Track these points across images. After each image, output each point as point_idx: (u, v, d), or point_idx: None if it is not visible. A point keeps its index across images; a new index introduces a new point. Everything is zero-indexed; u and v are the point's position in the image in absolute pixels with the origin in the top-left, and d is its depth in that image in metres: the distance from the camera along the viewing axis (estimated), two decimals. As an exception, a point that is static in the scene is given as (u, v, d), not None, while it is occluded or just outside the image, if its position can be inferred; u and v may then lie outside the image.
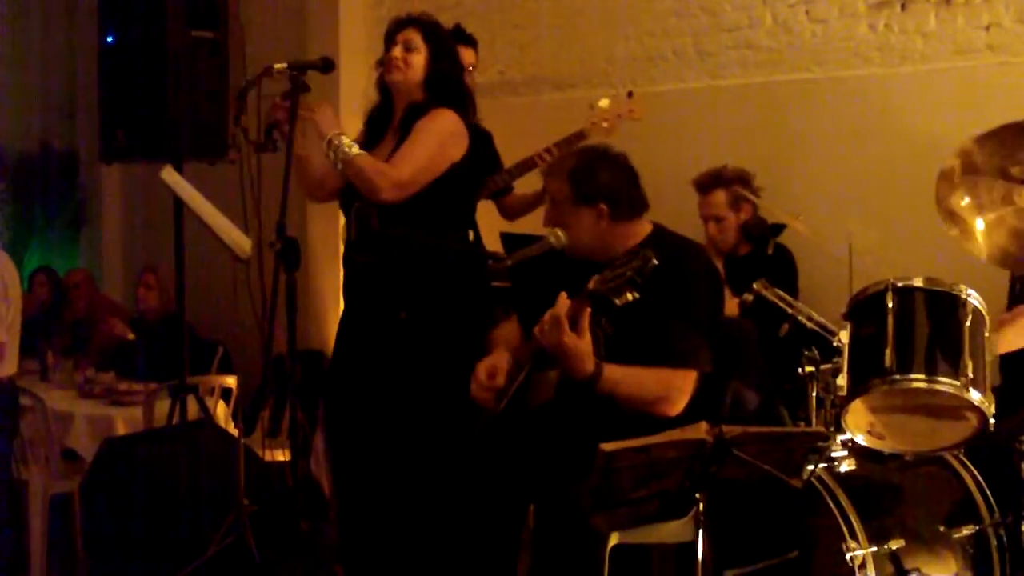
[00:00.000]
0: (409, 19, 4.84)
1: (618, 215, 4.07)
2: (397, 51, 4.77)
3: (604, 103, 5.86)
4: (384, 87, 4.87)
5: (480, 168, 5.95)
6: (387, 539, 4.68)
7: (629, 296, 3.50)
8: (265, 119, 4.56)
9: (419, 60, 4.75)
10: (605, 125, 5.76)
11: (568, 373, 3.79)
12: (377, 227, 4.71)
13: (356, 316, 4.88)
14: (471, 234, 5.90)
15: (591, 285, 3.62)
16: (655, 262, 3.51)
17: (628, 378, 3.82)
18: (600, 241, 4.04)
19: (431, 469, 4.53)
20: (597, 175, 4.08)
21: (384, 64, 4.78)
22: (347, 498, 4.91)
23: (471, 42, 6.06)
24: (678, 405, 3.84)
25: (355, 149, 4.62)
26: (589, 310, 3.66)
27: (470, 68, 6.02)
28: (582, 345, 3.70)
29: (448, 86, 4.80)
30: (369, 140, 4.87)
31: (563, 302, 3.70)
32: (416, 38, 4.76)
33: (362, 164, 4.61)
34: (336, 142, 4.58)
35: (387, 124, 4.87)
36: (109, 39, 6.30)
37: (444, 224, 4.79)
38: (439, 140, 4.70)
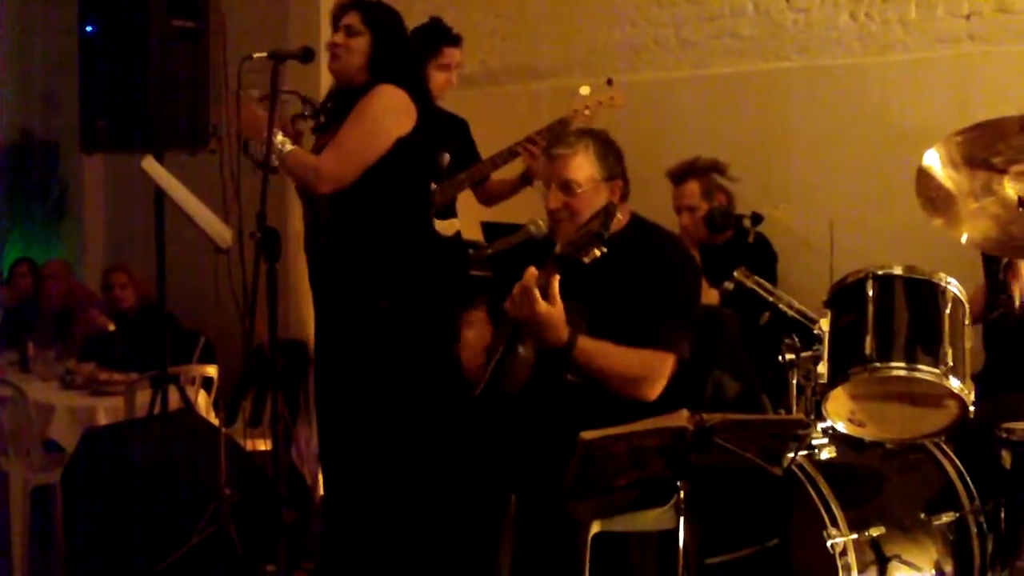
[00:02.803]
0: (350, 2, 4.80)
1: (624, 195, 4.09)
2: (338, 37, 4.74)
3: (585, 91, 5.86)
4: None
5: (459, 158, 5.96)
6: (373, 527, 4.68)
7: (596, 252, 3.47)
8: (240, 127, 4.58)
9: (360, 44, 4.71)
10: (587, 113, 5.76)
11: (542, 344, 3.78)
12: (327, 213, 4.69)
13: (325, 304, 4.86)
14: (456, 223, 5.93)
15: (557, 250, 3.62)
16: (623, 218, 3.50)
17: (603, 351, 3.81)
18: None
19: (415, 457, 4.53)
20: (614, 151, 4.09)
21: (328, 51, 4.77)
22: (336, 486, 4.90)
23: (455, 41, 6.03)
24: (656, 387, 3.83)
25: (287, 146, 4.58)
26: (558, 277, 3.64)
27: (453, 67, 6.01)
28: (555, 312, 3.68)
29: (393, 64, 4.74)
30: (326, 126, 4.86)
31: (531, 273, 3.69)
32: (356, 22, 4.72)
33: (292, 163, 4.60)
34: (274, 142, 4.51)
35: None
36: (89, 28, 6.27)
37: (398, 203, 4.75)
38: (373, 117, 4.64)
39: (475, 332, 4.24)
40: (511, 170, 5.97)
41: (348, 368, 4.71)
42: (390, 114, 4.67)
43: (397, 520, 4.56)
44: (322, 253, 4.78)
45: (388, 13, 4.84)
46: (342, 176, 4.59)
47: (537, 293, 3.65)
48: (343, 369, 4.74)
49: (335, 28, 4.77)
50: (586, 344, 3.78)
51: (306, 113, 4.85)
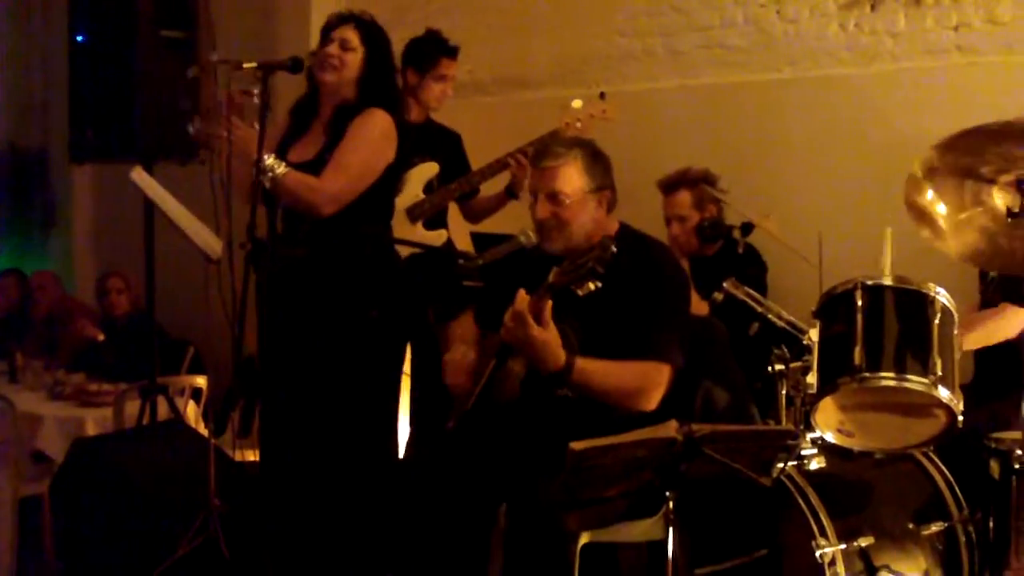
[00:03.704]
0: (348, 16, 4.81)
1: (611, 205, 4.11)
2: (333, 48, 4.74)
3: (577, 104, 5.87)
4: (313, 77, 4.85)
5: (450, 171, 5.96)
6: (360, 538, 4.67)
7: (591, 286, 3.50)
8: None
9: (354, 60, 4.74)
10: (578, 125, 5.77)
11: (540, 368, 3.79)
12: (307, 226, 4.68)
13: (299, 314, 4.84)
14: (444, 233, 5.93)
15: (551, 278, 3.63)
16: (614, 250, 3.51)
17: (601, 370, 3.82)
18: (591, 233, 4.04)
19: (402, 468, 4.52)
20: (603, 162, 4.11)
21: (318, 60, 4.76)
22: (312, 495, 4.87)
23: (452, 52, 6.04)
24: (654, 399, 3.85)
25: (281, 168, 4.57)
26: (551, 303, 3.65)
27: (449, 79, 6.02)
28: (550, 338, 3.70)
29: (381, 87, 4.78)
30: (295, 131, 4.85)
31: (522, 298, 3.70)
32: (354, 38, 4.75)
33: (292, 184, 4.59)
34: (264, 164, 4.50)
35: (313, 115, 4.86)
36: (79, 38, 6.28)
37: (372, 218, 4.78)
38: (375, 144, 4.70)
39: (460, 349, 4.24)
40: (495, 185, 5.97)
41: (333, 379, 4.69)
42: (386, 141, 4.73)
43: (385, 531, 4.55)
44: (299, 264, 4.75)
45: (382, 35, 4.87)
46: (343, 198, 4.62)
47: (530, 319, 3.66)
48: (326, 380, 4.71)
49: (327, 38, 4.77)
50: (583, 365, 3.79)
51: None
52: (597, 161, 4.11)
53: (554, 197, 4.02)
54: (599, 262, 3.48)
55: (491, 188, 6.10)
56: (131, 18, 6.08)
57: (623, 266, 3.88)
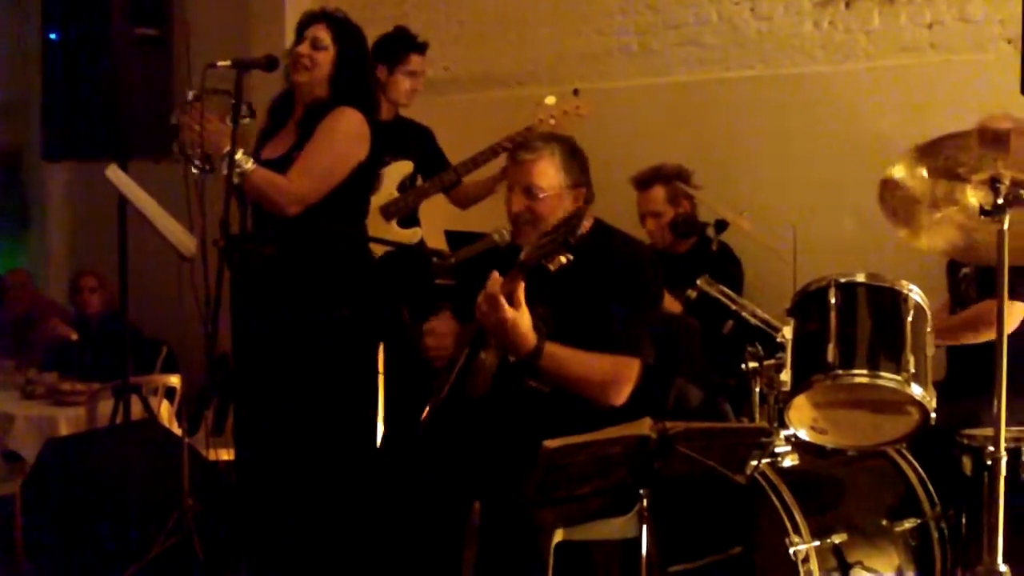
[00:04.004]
0: (320, 14, 4.79)
1: (588, 199, 4.11)
2: (304, 48, 4.73)
3: (551, 100, 5.87)
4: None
5: (424, 166, 5.96)
6: (333, 536, 4.66)
7: (562, 259, 3.45)
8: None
9: (326, 58, 4.72)
10: (552, 122, 5.77)
11: (510, 351, 3.78)
12: (275, 223, 4.66)
13: (268, 311, 4.83)
14: (418, 232, 5.92)
15: (522, 256, 3.61)
16: (586, 224, 3.50)
17: (572, 358, 3.82)
18: None
19: (375, 464, 4.52)
20: (580, 158, 4.11)
21: (292, 60, 4.75)
22: (284, 493, 4.87)
23: (421, 48, 6.04)
24: (622, 393, 3.85)
25: (250, 165, 4.55)
26: (523, 283, 3.64)
27: (419, 75, 6.02)
28: (521, 319, 3.69)
29: (353, 85, 4.75)
30: (272, 129, 4.85)
31: (495, 279, 3.69)
32: (325, 37, 4.72)
33: (259, 181, 4.57)
34: (234, 159, 4.49)
35: (289, 113, 4.85)
36: (52, 36, 6.24)
37: (343, 216, 4.76)
38: (343, 143, 4.67)
39: (442, 318, 4.24)
40: (483, 171, 5.97)
41: (304, 377, 4.68)
42: (354, 140, 4.69)
43: (359, 529, 4.55)
44: (268, 262, 4.73)
45: (355, 32, 4.84)
46: (309, 199, 4.59)
47: (503, 300, 3.65)
48: (297, 378, 4.70)
49: (300, 37, 4.76)
50: (554, 350, 3.78)
51: (246, 114, 4.80)
52: (574, 157, 4.11)
53: (529, 191, 4.02)
54: (569, 233, 3.44)
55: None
56: (105, 16, 6.04)
57: (597, 261, 3.88)
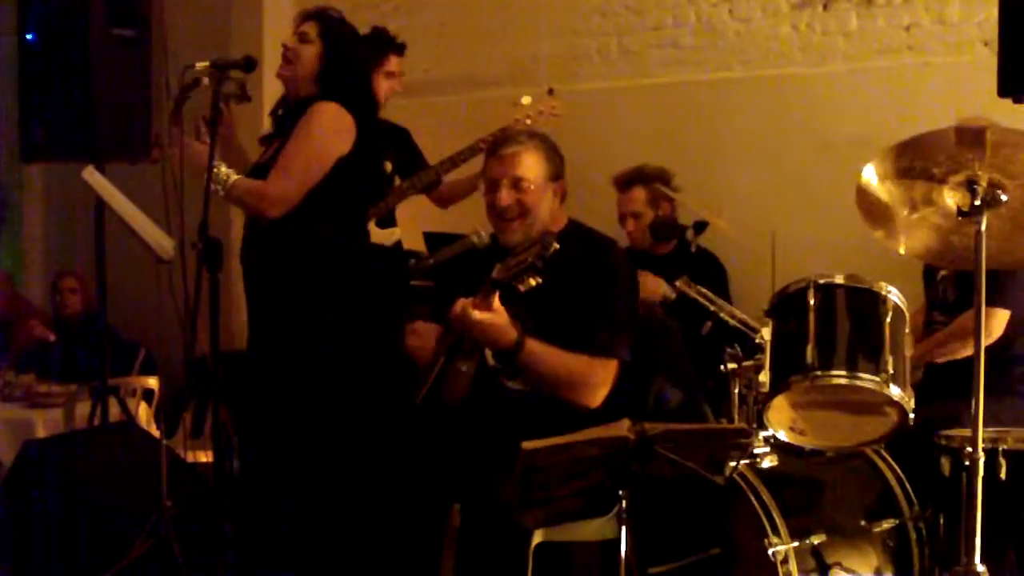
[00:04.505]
0: (312, 12, 4.80)
1: (563, 197, 4.13)
2: (290, 41, 4.73)
3: (526, 100, 5.90)
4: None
5: (402, 166, 5.95)
6: (312, 538, 4.66)
7: (532, 282, 3.49)
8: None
9: (310, 52, 4.70)
10: (528, 122, 5.79)
11: (492, 345, 3.81)
12: (265, 225, 4.66)
13: (263, 314, 4.83)
14: (396, 232, 5.92)
15: (494, 274, 3.62)
16: (556, 246, 3.51)
17: (551, 355, 3.83)
18: (547, 225, 4.03)
19: (355, 467, 4.51)
20: (557, 152, 4.14)
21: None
22: (269, 497, 4.86)
23: (400, 49, 6.05)
24: (599, 394, 3.86)
25: (232, 177, 4.55)
26: (497, 295, 3.66)
27: (398, 75, 6.02)
28: (497, 317, 3.70)
29: (341, 81, 4.72)
30: (275, 135, 4.84)
31: (461, 303, 3.74)
32: (312, 31, 4.72)
33: (239, 192, 4.57)
34: (214, 172, 4.47)
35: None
36: (29, 36, 6.21)
37: (334, 216, 4.71)
38: (318, 138, 4.62)
39: (420, 338, 4.23)
40: (463, 170, 5.98)
41: (289, 378, 4.68)
42: (331, 134, 4.64)
43: (338, 530, 4.54)
44: (258, 263, 4.75)
45: (345, 29, 4.83)
46: (290, 200, 4.56)
47: (471, 309, 3.68)
48: (284, 379, 4.70)
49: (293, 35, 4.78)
50: (533, 345, 3.79)
51: (239, 94, 4.78)
52: (553, 150, 4.13)
53: (517, 183, 4.01)
54: (539, 257, 3.46)
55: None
56: (82, 17, 6.00)
57: (571, 261, 3.88)
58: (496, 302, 3.68)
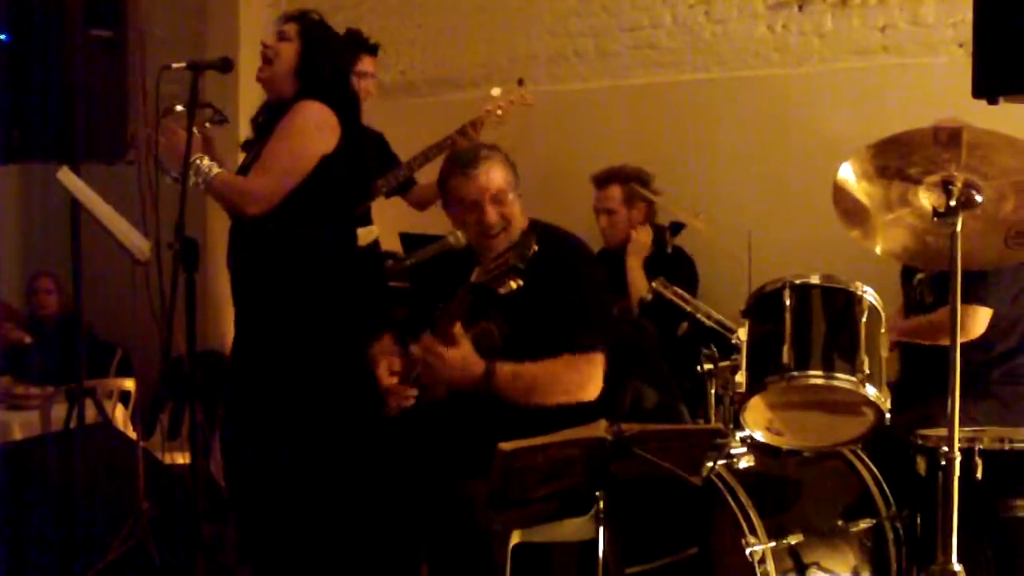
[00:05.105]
0: (291, 15, 4.80)
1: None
2: (268, 40, 4.72)
3: (496, 92, 5.92)
4: None
5: (377, 169, 5.94)
6: (290, 539, 4.65)
7: (512, 284, 3.48)
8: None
9: (288, 50, 4.68)
10: (499, 113, 5.80)
11: (463, 385, 3.83)
12: (249, 228, 4.66)
13: (246, 315, 4.83)
14: (374, 230, 5.91)
15: (473, 277, 3.61)
16: (535, 248, 3.51)
17: (527, 372, 3.82)
18: (521, 231, 4.02)
19: (332, 469, 4.50)
20: (511, 161, 4.12)
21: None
22: (249, 500, 4.85)
23: (373, 50, 6.05)
24: (590, 389, 3.87)
25: (214, 170, 4.55)
26: (470, 299, 3.66)
27: (371, 76, 6.01)
28: (459, 354, 3.75)
29: (320, 76, 4.70)
30: (252, 141, 4.83)
31: (427, 340, 3.78)
32: (291, 30, 4.71)
33: (220, 186, 4.57)
34: (196, 164, 4.48)
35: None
36: (4, 37, 6.18)
37: (319, 217, 4.70)
38: (300, 136, 4.61)
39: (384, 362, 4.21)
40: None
41: (269, 379, 4.67)
42: (313, 132, 4.63)
43: (315, 532, 4.53)
44: (245, 267, 4.74)
45: (324, 30, 4.82)
46: (270, 197, 4.55)
47: (438, 347, 3.68)
48: (264, 380, 4.69)
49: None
50: (505, 370, 3.79)
51: (216, 119, 4.79)
52: (507, 157, 4.12)
53: (498, 197, 3.98)
54: (520, 259, 3.46)
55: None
56: (58, 17, 5.98)
57: (540, 261, 3.87)
58: (457, 330, 3.69)
